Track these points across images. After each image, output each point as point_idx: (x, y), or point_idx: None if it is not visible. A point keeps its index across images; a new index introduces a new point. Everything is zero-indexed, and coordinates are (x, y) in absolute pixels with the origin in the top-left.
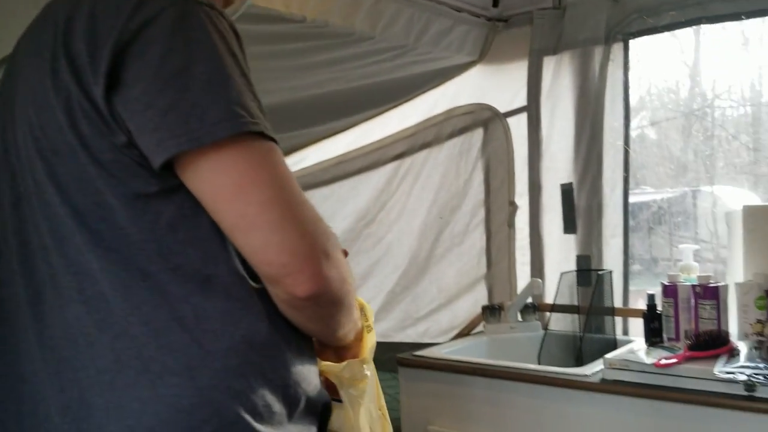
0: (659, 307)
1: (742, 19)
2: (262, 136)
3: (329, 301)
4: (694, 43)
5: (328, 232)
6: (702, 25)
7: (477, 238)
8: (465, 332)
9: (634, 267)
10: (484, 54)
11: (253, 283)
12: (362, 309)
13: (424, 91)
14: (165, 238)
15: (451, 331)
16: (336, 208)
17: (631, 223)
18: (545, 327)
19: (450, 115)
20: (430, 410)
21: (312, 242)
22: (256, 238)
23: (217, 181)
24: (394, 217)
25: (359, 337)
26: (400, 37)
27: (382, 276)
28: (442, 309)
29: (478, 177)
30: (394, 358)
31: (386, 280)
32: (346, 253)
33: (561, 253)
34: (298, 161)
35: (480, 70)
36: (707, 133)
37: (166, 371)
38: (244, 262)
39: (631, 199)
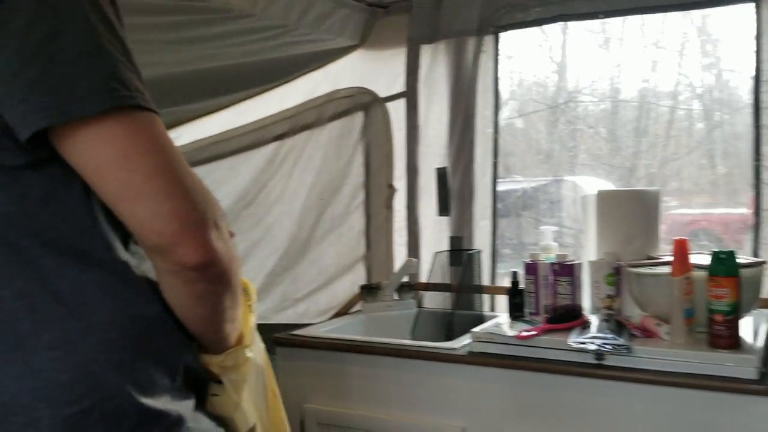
0: (521, 284)
1: (601, 17)
2: (141, 107)
3: (217, 274)
4: (561, 41)
5: (217, 204)
6: (568, 24)
7: (357, 220)
8: (343, 311)
9: (505, 251)
10: (365, 39)
11: (130, 258)
12: (245, 288)
13: (305, 73)
14: (36, 212)
15: (330, 312)
16: (213, 189)
17: (501, 208)
18: (419, 305)
19: (331, 97)
20: (306, 389)
21: (203, 210)
22: (143, 207)
23: (98, 152)
24: (275, 199)
25: (238, 341)
26: (281, 17)
27: (261, 257)
28: (322, 290)
29: (359, 160)
30: (271, 339)
31: (266, 261)
32: (232, 234)
33: (435, 234)
34: (173, 139)
35: (361, 54)
36: (571, 126)
37: (42, 346)
38: (122, 234)
39: (502, 187)
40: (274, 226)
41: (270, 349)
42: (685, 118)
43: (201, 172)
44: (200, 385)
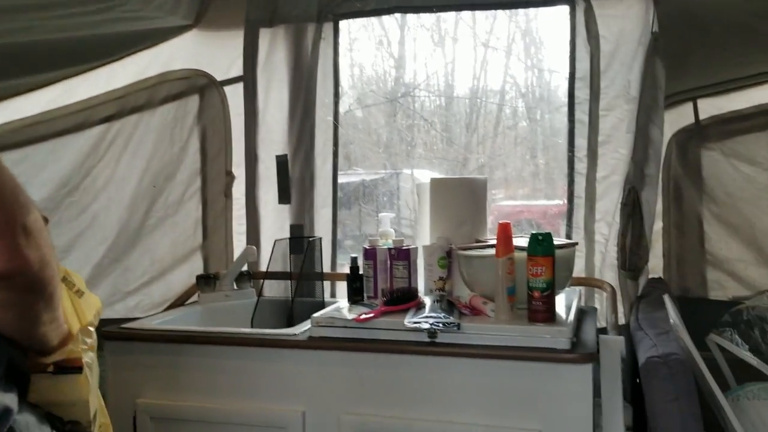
0: (361, 270)
1: (434, 11)
2: None
3: (26, 284)
4: (399, 37)
5: (29, 205)
6: (406, 19)
7: (193, 208)
8: (178, 303)
9: (347, 242)
10: (199, 19)
11: None
12: (66, 276)
13: (134, 52)
14: None
15: (165, 304)
16: (31, 174)
17: (342, 199)
18: (259, 293)
19: (163, 79)
20: (139, 383)
21: (7, 214)
22: None
23: None
24: (102, 185)
25: (64, 343)
26: None
27: (87, 248)
28: (155, 281)
29: (194, 145)
30: (99, 334)
31: (92, 252)
32: (46, 220)
33: (276, 222)
34: None
35: (196, 35)
36: (409, 120)
37: None
38: None
39: (343, 179)
40: (101, 214)
41: (98, 346)
42: (511, 115)
43: (17, 156)
44: (23, 379)
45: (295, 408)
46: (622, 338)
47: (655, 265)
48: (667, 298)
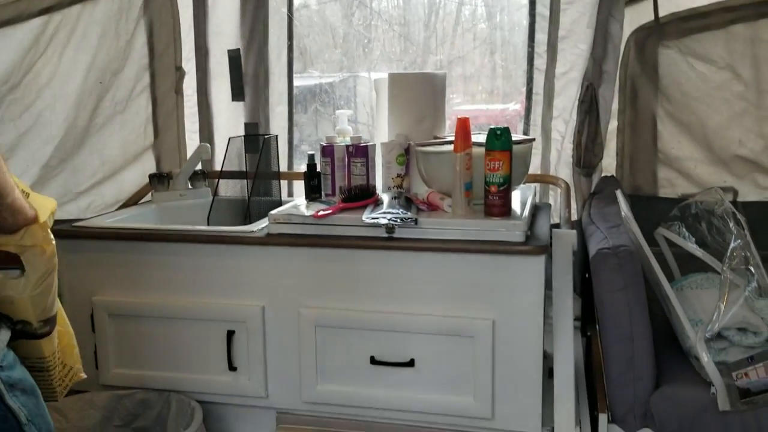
0: (318, 167)
1: None
2: None
3: None
4: None
5: None
6: None
7: (142, 106)
8: (131, 203)
9: (303, 147)
10: None
11: None
12: None
13: None
14: None
15: (117, 205)
16: None
17: (300, 100)
18: (214, 193)
19: None
20: (94, 282)
21: None
22: None
23: None
24: (45, 82)
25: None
26: None
27: (33, 148)
28: (107, 181)
29: (141, 39)
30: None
31: (39, 152)
32: None
33: (230, 120)
34: None
35: None
36: (366, 22)
37: None
38: None
39: (300, 82)
40: (45, 112)
41: None
42: (470, 16)
43: None
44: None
45: (255, 303)
46: (574, 232)
47: (608, 164)
48: (619, 193)
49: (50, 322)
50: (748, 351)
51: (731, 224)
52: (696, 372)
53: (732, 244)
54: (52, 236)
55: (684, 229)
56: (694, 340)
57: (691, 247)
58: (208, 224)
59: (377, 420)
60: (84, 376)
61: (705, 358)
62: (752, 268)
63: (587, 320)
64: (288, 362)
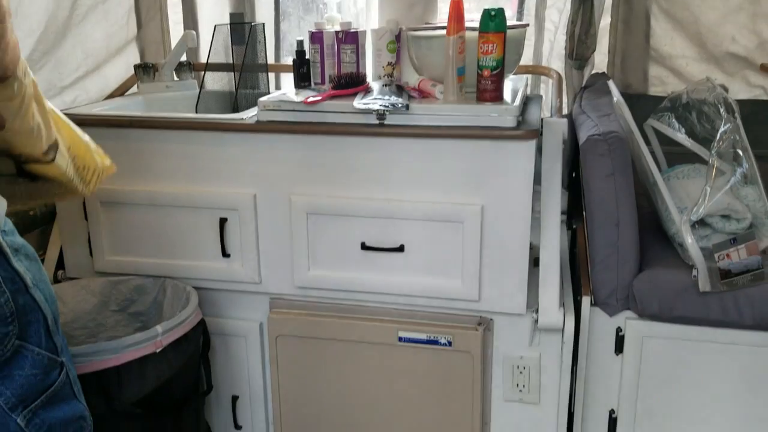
0: (307, 55)
1: None
2: None
3: None
4: None
5: None
6: None
7: None
8: (117, 94)
9: (290, 37)
10: None
11: None
12: None
13: None
14: None
15: (103, 98)
16: None
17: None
18: (201, 86)
19: None
20: None
21: None
22: None
23: None
24: None
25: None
26: None
27: None
28: (91, 75)
29: None
30: None
31: (20, 45)
32: None
33: (214, 11)
34: None
35: None
36: None
37: None
38: None
39: None
40: (24, 4)
41: None
42: None
43: None
44: None
45: (246, 191)
46: (564, 120)
47: (600, 62)
48: (611, 82)
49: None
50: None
51: (722, 110)
52: (678, 257)
53: (721, 129)
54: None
55: (674, 120)
56: (679, 223)
57: (680, 137)
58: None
59: (368, 303)
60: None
61: (689, 240)
62: (740, 151)
63: (573, 215)
64: (280, 249)
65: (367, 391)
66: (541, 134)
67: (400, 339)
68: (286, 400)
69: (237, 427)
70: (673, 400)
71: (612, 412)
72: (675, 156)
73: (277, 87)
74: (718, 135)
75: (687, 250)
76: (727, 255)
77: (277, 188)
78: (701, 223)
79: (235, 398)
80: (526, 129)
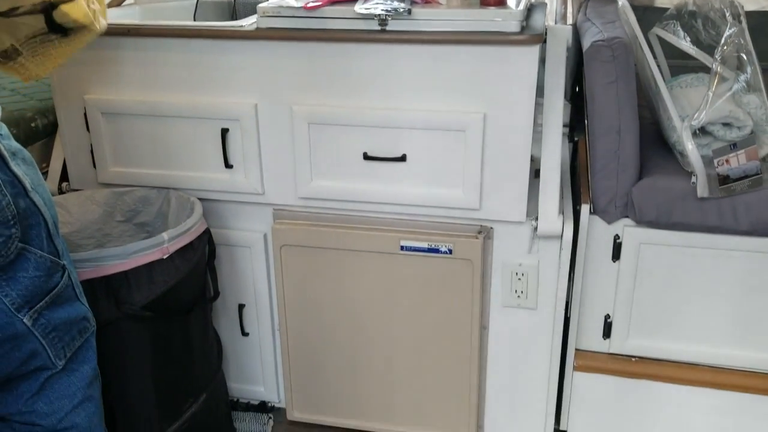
0: None
1: None
2: None
3: None
4: None
5: None
6: None
7: None
8: (114, 4)
9: None
10: None
11: None
12: None
13: None
14: None
15: None
16: None
17: None
18: None
19: None
20: (85, 80)
21: None
22: None
23: None
24: None
25: None
26: None
27: None
28: None
29: None
30: None
31: None
32: None
33: None
34: None
35: None
36: None
37: None
38: None
39: None
40: None
41: None
42: None
43: None
44: None
45: (247, 100)
46: (569, 27)
47: None
48: None
49: None
50: None
51: (728, 14)
52: (678, 166)
53: (726, 32)
54: None
55: (679, 29)
56: (680, 130)
57: (685, 45)
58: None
59: (370, 213)
60: None
61: (689, 145)
62: (744, 56)
63: (575, 128)
64: (282, 159)
65: (369, 298)
66: (545, 42)
67: (402, 248)
68: (291, 308)
69: (244, 333)
70: (668, 306)
71: (607, 317)
72: (680, 69)
73: None
74: (723, 39)
75: (687, 157)
76: (726, 161)
77: (279, 98)
78: (702, 131)
79: (241, 307)
80: (529, 34)
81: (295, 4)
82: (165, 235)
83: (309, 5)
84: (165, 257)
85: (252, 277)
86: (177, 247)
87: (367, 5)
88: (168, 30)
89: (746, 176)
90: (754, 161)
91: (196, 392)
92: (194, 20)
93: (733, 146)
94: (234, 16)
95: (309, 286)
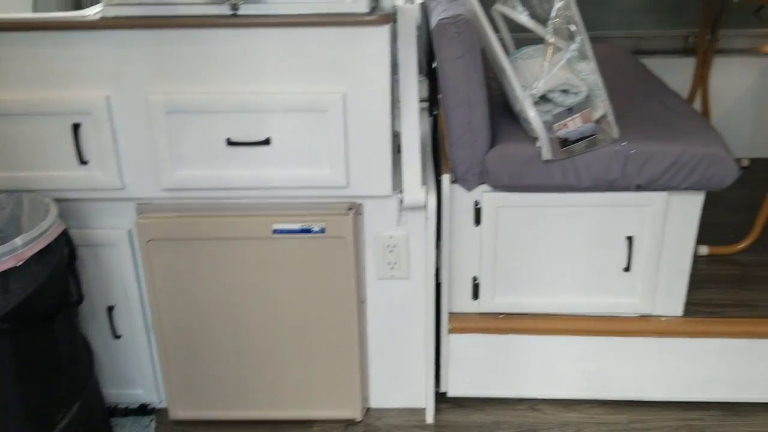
0: None
1: None
2: None
3: None
4: None
5: None
6: None
7: None
8: None
9: None
10: None
11: None
12: None
13: None
14: None
15: None
16: None
17: None
18: None
19: None
20: None
21: None
22: None
23: None
24: None
25: None
26: None
27: None
28: None
29: None
30: None
31: None
32: None
33: None
34: None
35: None
36: None
37: None
38: None
39: None
40: None
41: None
42: None
43: None
44: None
45: (98, 93)
46: (417, 6)
47: None
48: None
49: None
50: None
51: None
52: (525, 133)
53: (556, 5)
54: None
55: (518, 3)
56: (522, 98)
57: (523, 18)
58: (35, 11)
59: (239, 200)
60: None
61: (531, 113)
62: (573, 27)
63: (434, 102)
64: (142, 152)
65: (245, 286)
66: (396, 21)
67: (275, 231)
68: (164, 305)
69: (116, 336)
70: (527, 262)
71: (475, 279)
72: (526, 41)
73: None
74: (553, 11)
75: (530, 123)
76: (565, 125)
77: (132, 88)
78: (543, 99)
79: (110, 308)
80: (379, 14)
81: None
82: (18, 241)
83: None
84: (20, 264)
85: (120, 276)
86: (33, 252)
87: None
88: (6, 23)
89: (583, 137)
90: (588, 123)
91: (68, 402)
92: (34, 11)
93: (569, 111)
94: (79, 6)
95: (182, 280)
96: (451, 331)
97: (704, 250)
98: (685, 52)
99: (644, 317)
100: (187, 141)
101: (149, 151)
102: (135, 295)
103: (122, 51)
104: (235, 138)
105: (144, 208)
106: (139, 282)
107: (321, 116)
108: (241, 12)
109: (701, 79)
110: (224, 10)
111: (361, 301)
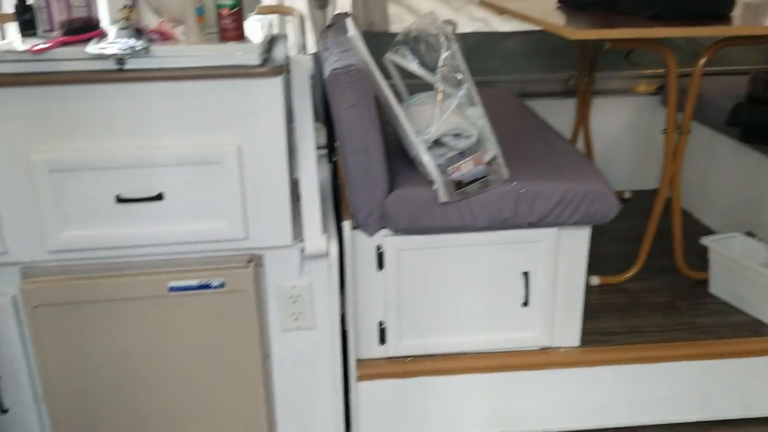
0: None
1: None
2: None
3: None
4: None
5: None
6: None
7: None
8: None
9: None
10: None
11: None
12: None
13: None
14: None
15: None
16: None
17: None
18: None
19: None
20: None
21: None
22: None
23: None
24: None
25: None
26: None
27: None
28: None
29: None
30: None
31: None
32: None
33: None
34: None
35: None
36: None
37: None
38: None
39: None
40: None
41: None
42: None
43: None
44: None
45: None
46: (309, 56)
47: (344, 3)
48: (349, 20)
49: None
50: None
51: (442, 39)
52: (422, 177)
53: (442, 55)
54: None
55: (408, 53)
56: (417, 143)
57: (413, 67)
58: None
59: (132, 258)
60: None
61: (426, 158)
62: (459, 75)
63: (333, 149)
64: (24, 213)
65: (143, 348)
66: (290, 72)
67: (171, 288)
68: (55, 375)
69: (3, 410)
70: (431, 303)
71: (381, 323)
72: (419, 87)
73: (2, 36)
74: (441, 61)
75: (425, 167)
76: (458, 168)
77: (12, 147)
78: (437, 143)
79: None
80: (271, 66)
81: (21, 48)
82: None
83: (35, 48)
84: None
85: (4, 346)
86: None
87: (101, 45)
88: None
89: (476, 179)
90: (480, 165)
91: None
92: None
93: (461, 154)
94: None
95: (73, 347)
96: (359, 378)
97: (596, 280)
98: (567, 93)
99: (544, 350)
100: (74, 200)
101: (32, 212)
102: (22, 366)
103: (1, 109)
104: (125, 194)
105: (29, 272)
106: (26, 351)
107: (215, 169)
108: (128, 66)
109: (582, 118)
110: (110, 65)
111: (265, 356)
